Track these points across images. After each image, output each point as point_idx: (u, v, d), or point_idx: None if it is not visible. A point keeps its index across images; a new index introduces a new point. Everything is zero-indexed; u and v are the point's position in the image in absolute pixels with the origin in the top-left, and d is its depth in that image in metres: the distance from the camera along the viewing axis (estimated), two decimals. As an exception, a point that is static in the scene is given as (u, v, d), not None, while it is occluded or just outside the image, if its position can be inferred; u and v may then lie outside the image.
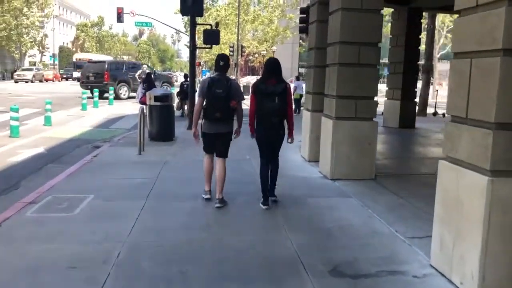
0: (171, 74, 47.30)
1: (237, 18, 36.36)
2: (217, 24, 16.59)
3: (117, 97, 23.51)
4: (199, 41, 24.41)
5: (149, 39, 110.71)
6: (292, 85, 16.86)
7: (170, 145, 9.54)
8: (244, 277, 3.54)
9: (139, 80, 18.04)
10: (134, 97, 20.82)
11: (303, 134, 8.55)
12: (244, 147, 7.60)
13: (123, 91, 24.55)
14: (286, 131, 5.33)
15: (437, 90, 24.11)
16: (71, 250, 3.95)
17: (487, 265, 3.10)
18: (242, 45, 38.49)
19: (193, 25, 12.47)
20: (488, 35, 3.04)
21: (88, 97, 19.26)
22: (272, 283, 3.46)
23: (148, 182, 6.29)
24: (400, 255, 4.00)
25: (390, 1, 12.32)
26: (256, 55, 49.41)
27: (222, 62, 5.27)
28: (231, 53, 36.67)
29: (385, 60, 15.18)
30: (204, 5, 15.19)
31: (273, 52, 46.41)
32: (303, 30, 12.07)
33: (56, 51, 63.48)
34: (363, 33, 6.53)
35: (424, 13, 16.61)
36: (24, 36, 49.88)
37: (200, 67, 48.36)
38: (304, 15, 11.93)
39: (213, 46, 15.17)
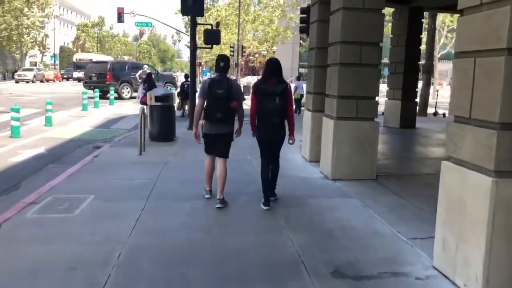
0: (171, 74, 47.32)
1: (238, 18, 36.35)
2: (217, 24, 16.58)
3: (119, 97, 23.59)
4: (199, 41, 24.43)
5: (150, 39, 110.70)
6: (292, 85, 16.85)
7: (170, 146, 9.52)
8: (244, 278, 3.52)
9: (139, 80, 18.03)
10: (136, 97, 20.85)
11: (304, 134, 8.52)
12: (245, 147, 7.58)
13: (126, 91, 24.64)
14: (287, 132, 5.32)
15: (437, 90, 24.09)
16: (72, 251, 3.93)
17: (491, 267, 3.07)
18: (242, 45, 38.50)
19: (193, 25, 12.44)
20: (493, 34, 3.01)
21: (89, 97, 19.24)
22: (273, 285, 3.43)
23: (149, 183, 6.27)
24: (402, 256, 3.97)
25: (391, 1, 12.29)
26: (257, 55, 49.42)
27: (222, 63, 5.27)
28: (232, 53, 36.67)
29: (385, 60, 15.13)
30: (205, 5, 15.14)
31: (274, 52, 46.42)
32: (303, 30, 12.06)
33: (57, 51, 63.53)
34: (365, 32, 6.50)
35: (424, 13, 16.57)
36: (25, 36, 49.89)
37: (200, 67, 48.35)
38: (305, 15, 11.92)
39: (214, 46, 15.15)
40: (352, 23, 6.48)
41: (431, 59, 20.12)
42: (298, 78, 20.25)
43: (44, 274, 3.49)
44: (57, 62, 62.60)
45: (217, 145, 5.34)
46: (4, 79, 47.07)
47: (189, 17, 12.94)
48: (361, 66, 6.58)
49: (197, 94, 5.77)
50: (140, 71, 19.85)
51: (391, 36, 14.21)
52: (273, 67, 5.24)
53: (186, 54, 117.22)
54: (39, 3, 51.36)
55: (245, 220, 4.89)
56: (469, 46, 3.30)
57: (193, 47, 12.43)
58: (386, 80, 15.46)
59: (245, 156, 8.04)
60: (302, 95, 17.44)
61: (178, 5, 13.41)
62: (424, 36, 17.28)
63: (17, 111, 10.80)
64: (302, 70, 39.90)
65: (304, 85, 14.41)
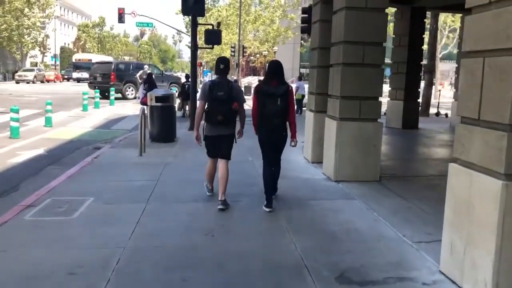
0: (175, 74, 47.34)
1: (239, 19, 36.30)
2: (218, 24, 16.55)
3: (123, 97, 23.88)
4: (200, 41, 24.34)
5: (150, 39, 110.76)
6: (293, 86, 16.80)
7: (171, 146, 9.45)
8: (247, 282, 3.44)
9: (140, 81, 17.98)
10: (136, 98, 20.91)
11: (306, 135, 8.44)
12: (246, 148, 7.51)
13: (130, 91, 24.76)
14: (289, 133, 5.25)
15: (439, 90, 24.03)
16: (70, 255, 3.84)
17: (501, 272, 2.98)
18: (243, 46, 38.44)
19: (194, 25, 12.37)
20: (503, 33, 2.92)
21: (90, 97, 19.18)
22: (276, 290, 3.35)
23: (149, 184, 6.19)
24: (408, 260, 3.88)
25: (393, 1, 12.18)
26: (258, 55, 49.42)
27: (223, 65, 5.24)
28: (233, 54, 36.63)
29: (387, 60, 15.04)
30: (205, 6, 15.09)
31: (275, 52, 46.35)
32: (305, 30, 11.99)
33: (58, 52, 63.50)
34: (368, 32, 6.42)
35: (426, 13, 16.47)
36: (26, 36, 49.85)
37: (201, 68, 48.28)
38: (306, 15, 11.85)
39: (215, 46, 15.09)
40: (355, 23, 6.40)
41: (433, 59, 20.05)
42: (299, 78, 20.20)
43: (42, 279, 3.41)
44: (58, 62, 62.58)
45: (219, 147, 5.28)
46: (5, 79, 47.01)
47: (190, 17, 12.88)
48: (364, 66, 6.50)
49: (197, 96, 5.71)
50: (141, 71, 19.78)
51: (393, 36, 14.11)
52: (274, 69, 5.23)
53: (186, 55, 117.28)
54: (39, 3, 51.32)
55: (247, 223, 4.81)
56: (477, 45, 3.22)
57: (194, 47, 12.37)
58: (388, 80, 15.36)
59: (247, 157, 7.95)
60: (303, 96, 17.39)
61: (178, 5, 13.35)
62: (426, 36, 17.19)
63: (17, 111, 10.73)
64: (303, 70, 39.87)
65: (306, 85, 14.34)
